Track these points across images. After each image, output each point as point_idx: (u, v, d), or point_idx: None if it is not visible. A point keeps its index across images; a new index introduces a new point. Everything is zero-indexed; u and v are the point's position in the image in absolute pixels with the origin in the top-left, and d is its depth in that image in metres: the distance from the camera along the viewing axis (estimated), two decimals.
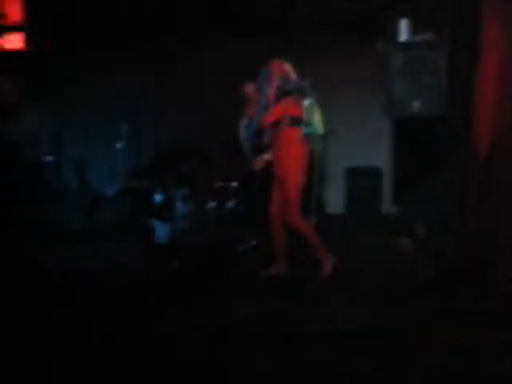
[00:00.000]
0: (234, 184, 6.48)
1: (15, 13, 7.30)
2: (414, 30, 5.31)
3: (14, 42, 7.25)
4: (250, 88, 6.11)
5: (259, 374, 3.33)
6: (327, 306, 4.46)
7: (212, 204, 6.49)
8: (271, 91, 5.00)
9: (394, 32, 5.39)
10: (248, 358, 3.52)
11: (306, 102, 5.06)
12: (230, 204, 6.50)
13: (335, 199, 8.39)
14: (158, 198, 6.67)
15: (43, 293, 4.72)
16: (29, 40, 7.12)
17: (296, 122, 5.01)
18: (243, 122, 6.27)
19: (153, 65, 8.22)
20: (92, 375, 3.30)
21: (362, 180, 8.46)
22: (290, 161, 5.02)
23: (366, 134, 8.34)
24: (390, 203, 8.46)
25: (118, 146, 7.65)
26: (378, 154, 8.49)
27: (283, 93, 5.01)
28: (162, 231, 6.32)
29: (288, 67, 5.12)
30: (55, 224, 6.63)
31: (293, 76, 5.10)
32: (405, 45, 5.36)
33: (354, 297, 4.65)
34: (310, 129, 5.08)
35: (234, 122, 6.55)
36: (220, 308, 4.42)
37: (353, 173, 8.49)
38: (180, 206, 6.47)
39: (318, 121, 5.20)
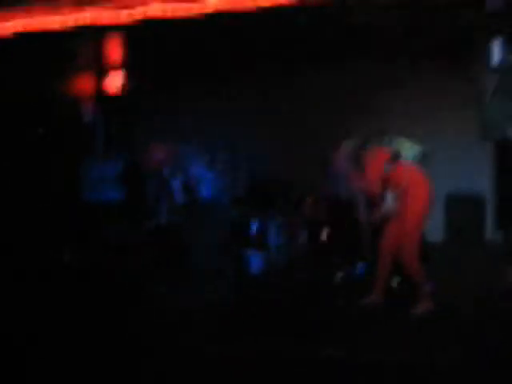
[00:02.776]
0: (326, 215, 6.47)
1: (117, 56, 7.70)
2: (508, 51, 5.14)
3: (115, 82, 7.66)
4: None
5: None
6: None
7: (305, 233, 6.49)
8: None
9: (487, 55, 5.23)
10: None
11: (386, 143, 5.14)
12: (325, 233, 6.48)
13: (435, 226, 8.13)
14: (252, 227, 6.73)
15: None
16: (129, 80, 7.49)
17: (397, 160, 5.02)
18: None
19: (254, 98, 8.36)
20: None
21: (463, 206, 8.18)
22: (415, 200, 4.99)
23: (466, 160, 8.07)
24: (493, 228, 8.12)
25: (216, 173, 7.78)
26: (479, 179, 8.18)
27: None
28: (257, 260, 6.37)
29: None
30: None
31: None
32: (500, 67, 5.20)
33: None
34: (411, 156, 5.05)
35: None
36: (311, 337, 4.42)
37: (454, 199, 8.23)
38: (274, 236, 6.51)
39: (407, 145, 5.16)
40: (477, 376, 3.66)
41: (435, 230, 8.05)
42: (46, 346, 4.29)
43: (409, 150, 5.11)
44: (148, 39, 6.80)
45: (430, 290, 5.10)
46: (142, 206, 6.68)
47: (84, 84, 7.83)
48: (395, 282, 5.51)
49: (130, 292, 5.67)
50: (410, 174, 5.05)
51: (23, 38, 6.17)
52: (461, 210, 8.11)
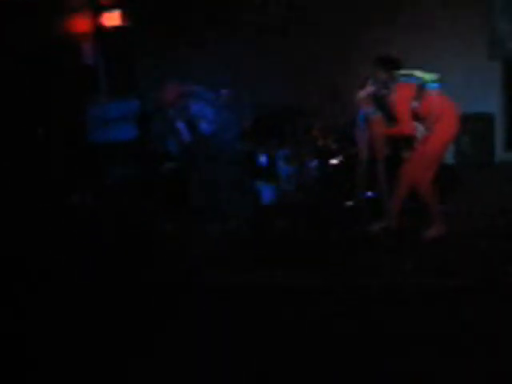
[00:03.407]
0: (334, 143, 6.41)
1: None
2: None
3: (112, 19, 7.50)
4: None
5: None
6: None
7: (315, 162, 6.44)
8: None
9: None
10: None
11: (406, 79, 5.02)
12: (334, 161, 6.44)
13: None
14: (261, 160, 6.69)
15: None
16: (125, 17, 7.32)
17: (422, 93, 4.94)
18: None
19: (254, 28, 8.18)
20: None
21: (472, 126, 8.06)
22: (441, 127, 4.94)
23: (474, 79, 7.92)
24: (503, 149, 8.03)
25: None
26: (488, 99, 8.04)
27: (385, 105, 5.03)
28: (267, 192, 6.36)
29: (365, 92, 5.15)
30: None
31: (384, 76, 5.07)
32: None
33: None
34: (432, 84, 4.96)
35: (336, 79, 6.47)
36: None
37: (462, 119, 8.10)
38: (283, 167, 6.47)
39: (423, 75, 5.06)
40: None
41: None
42: (54, 284, 4.34)
43: (429, 79, 5.02)
44: None
45: (443, 213, 5.09)
46: (151, 146, 6.66)
47: (82, 23, 7.67)
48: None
49: (140, 230, 5.69)
50: (439, 102, 4.96)
51: None
52: (471, 131, 8.00)
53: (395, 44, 6.99)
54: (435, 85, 5.00)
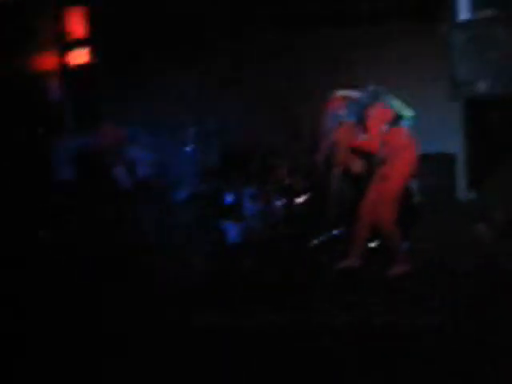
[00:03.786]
0: (300, 181, 6.47)
1: (79, 30, 7.54)
2: (475, 6, 5.12)
3: (80, 57, 7.51)
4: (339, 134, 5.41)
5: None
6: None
7: (281, 201, 6.48)
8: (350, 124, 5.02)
9: (455, 10, 5.21)
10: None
11: (388, 100, 5.08)
12: (300, 200, 6.49)
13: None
14: (227, 198, 6.70)
15: None
16: (93, 54, 7.33)
17: (394, 122, 4.99)
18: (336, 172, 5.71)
19: (217, 67, 8.24)
20: None
21: (434, 167, 8.21)
22: (403, 158, 5.01)
23: (435, 120, 8.09)
24: (465, 189, 8.18)
25: (187, 149, 7.72)
26: (449, 139, 8.20)
27: (359, 113, 5.01)
28: (233, 231, 6.35)
29: (345, 93, 5.19)
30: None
31: (356, 94, 5.14)
32: (467, 23, 5.18)
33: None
34: (407, 120, 5.06)
35: (300, 118, 6.52)
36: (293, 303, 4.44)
37: (425, 160, 8.25)
38: (249, 205, 6.49)
39: (404, 109, 5.15)
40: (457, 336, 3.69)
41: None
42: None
43: (406, 115, 5.12)
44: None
45: (406, 251, 5.14)
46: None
47: (49, 60, 7.65)
48: (373, 244, 5.55)
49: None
50: (404, 137, 5.05)
51: None
52: (433, 171, 8.14)
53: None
54: (408, 122, 5.09)
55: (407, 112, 5.12)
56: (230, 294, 4.80)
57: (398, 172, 5.01)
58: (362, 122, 5.07)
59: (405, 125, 5.08)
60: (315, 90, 7.65)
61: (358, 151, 5.25)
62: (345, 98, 5.17)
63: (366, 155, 5.19)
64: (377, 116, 5.03)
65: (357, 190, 5.45)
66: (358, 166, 5.33)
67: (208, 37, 7.93)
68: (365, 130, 5.07)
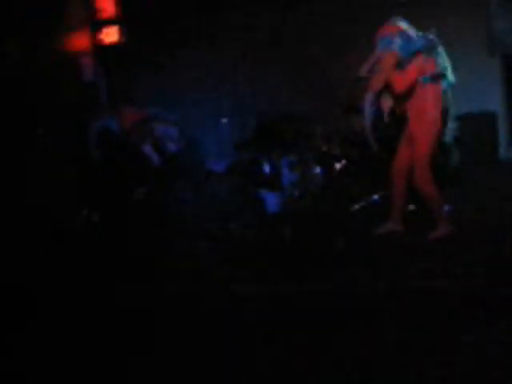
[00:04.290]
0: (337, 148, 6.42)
1: (110, 8, 7.56)
2: None
3: (110, 35, 7.54)
4: (364, 68, 5.24)
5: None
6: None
7: (319, 168, 6.45)
8: (393, 54, 4.84)
9: None
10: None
11: (439, 56, 4.89)
12: (338, 166, 6.45)
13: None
14: (265, 168, 6.70)
15: None
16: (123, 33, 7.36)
17: (432, 79, 4.85)
18: (368, 97, 5.40)
19: (250, 35, 8.18)
20: None
21: (475, 125, 8.05)
22: (429, 116, 4.89)
23: (474, 78, 7.91)
24: (506, 146, 8.02)
25: (223, 121, 7.74)
26: (489, 97, 8.03)
27: (411, 52, 4.83)
28: (272, 200, 6.36)
29: (403, 24, 4.92)
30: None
31: (413, 32, 4.90)
32: None
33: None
34: (446, 82, 4.93)
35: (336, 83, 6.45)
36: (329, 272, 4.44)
37: (465, 118, 8.11)
38: (287, 174, 6.47)
39: (450, 71, 5.01)
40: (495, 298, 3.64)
41: None
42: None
43: (449, 75, 4.97)
44: None
45: (448, 214, 5.08)
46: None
47: (81, 40, 7.71)
48: (412, 207, 5.49)
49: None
50: (435, 97, 4.88)
51: None
52: (474, 129, 7.99)
53: None
54: (446, 85, 4.94)
55: (451, 76, 4.97)
56: (269, 264, 4.82)
57: (425, 132, 4.88)
58: (405, 61, 4.86)
59: (442, 86, 4.94)
60: (352, 54, 7.60)
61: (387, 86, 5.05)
62: (400, 29, 4.89)
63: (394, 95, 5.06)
64: (421, 64, 4.83)
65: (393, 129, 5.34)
66: (387, 100, 5.16)
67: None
68: (403, 70, 4.87)
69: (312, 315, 3.66)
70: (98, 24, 7.67)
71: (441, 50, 4.92)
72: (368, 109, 5.07)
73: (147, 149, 6.42)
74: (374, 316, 3.54)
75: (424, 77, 4.83)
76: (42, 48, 6.83)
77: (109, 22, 7.61)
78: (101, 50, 7.73)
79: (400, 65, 4.86)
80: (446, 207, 5.26)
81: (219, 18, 8.04)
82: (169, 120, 6.62)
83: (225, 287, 4.34)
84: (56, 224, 5.78)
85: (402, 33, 4.86)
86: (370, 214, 5.82)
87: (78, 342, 3.61)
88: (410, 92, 4.90)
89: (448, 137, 5.14)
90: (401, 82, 4.87)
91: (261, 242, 5.49)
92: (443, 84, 4.92)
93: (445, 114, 4.97)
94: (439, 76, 4.87)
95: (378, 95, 5.06)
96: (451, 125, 5.11)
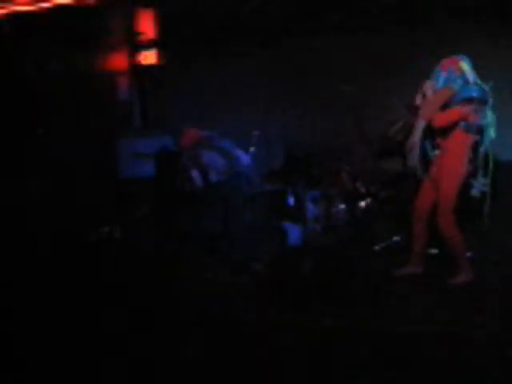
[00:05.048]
0: (363, 186, 6.41)
1: (150, 32, 7.72)
2: None
3: (148, 57, 7.69)
4: (427, 84, 5.13)
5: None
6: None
7: (344, 205, 6.43)
8: (450, 93, 4.84)
9: None
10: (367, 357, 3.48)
11: (487, 111, 4.86)
12: (361, 204, 6.44)
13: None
14: (289, 200, 6.70)
15: None
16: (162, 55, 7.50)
17: (472, 129, 4.82)
18: (419, 125, 5.32)
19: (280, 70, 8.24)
20: None
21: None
22: (454, 163, 4.87)
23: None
24: None
25: (251, 150, 7.77)
26: None
27: (465, 98, 4.82)
28: (294, 233, 6.35)
29: (466, 65, 4.90)
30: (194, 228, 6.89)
31: (471, 77, 4.87)
32: None
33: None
34: (486, 136, 4.89)
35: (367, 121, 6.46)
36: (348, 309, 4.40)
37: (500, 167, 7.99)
38: (311, 208, 6.47)
39: (492, 127, 4.96)
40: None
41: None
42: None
43: (490, 129, 4.94)
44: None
45: (469, 260, 5.00)
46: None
47: (120, 60, 7.87)
48: (435, 251, 5.43)
49: (165, 271, 5.70)
50: (465, 142, 4.86)
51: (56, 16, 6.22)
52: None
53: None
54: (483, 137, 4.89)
55: (492, 131, 4.93)
56: (287, 295, 4.80)
57: (453, 176, 4.86)
58: (454, 103, 4.84)
59: (478, 138, 4.88)
60: (382, 93, 7.60)
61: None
62: (463, 69, 4.85)
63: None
64: (468, 111, 4.81)
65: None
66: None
67: (274, 41, 7.94)
68: (449, 109, 4.86)
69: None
70: (138, 46, 7.83)
71: (490, 106, 4.89)
72: (418, 136, 5.04)
73: (194, 173, 6.50)
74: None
75: (466, 123, 4.81)
76: (82, 64, 7.00)
77: (148, 45, 7.77)
78: (138, 71, 7.87)
79: (447, 104, 4.86)
80: (469, 253, 5.22)
81: (256, 47, 8.11)
82: (218, 147, 6.68)
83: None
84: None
85: (464, 74, 4.86)
86: (392, 255, 5.77)
87: None
88: (446, 132, 4.90)
89: (476, 190, 5.07)
90: (442, 119, 4.86)
91: (279, 272, 5.47)
92: (481, 137, 4.89)
93: (474, 165, 4.94)
94: (480, 128, 4.84)
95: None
96: (482, 180, 5.03)
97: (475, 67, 4.96)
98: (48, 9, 6.16)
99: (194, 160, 6.58)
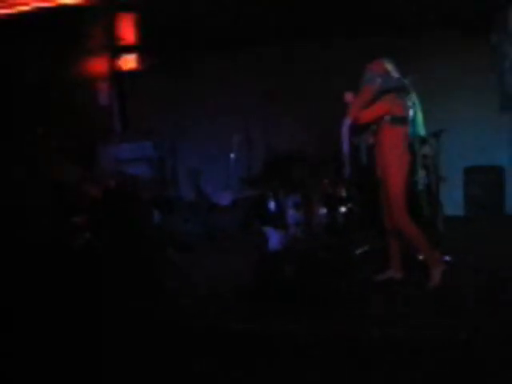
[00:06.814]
0: (344, 190, 6.43)
1: (130, 36, 7.69)
2: None
3: (128, 62, 7.67)
4: (349, 96, 5.28)
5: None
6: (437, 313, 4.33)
7: (323, 210, 6.45)
8: (370, 89, 4.90)
9: (506, 22, 5.07)
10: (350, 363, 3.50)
11: (408, 101, 4.92)
12: (342, 209, 6.45)
13: (454, 200, 8.04)
14: (270, 205, 6.72)
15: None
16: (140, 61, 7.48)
17: (398, 120, 4.87)
18: (346, 122, 5.85)
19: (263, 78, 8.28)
20: None
21: (482, 179, 8.09)
22: (389, 158, 4.88)
23: (483, 132, 7.96)
24: None
25: (232, 155, 7.79)
26: (499, 152, 8.06)
27: (383, 91, 4.89)
28: (275, 238, 6.36)
29: (389, 65, 4.99)
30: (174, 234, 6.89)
31: (395, 74, 4.97)
32: None
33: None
34: (412, 130, 4.95)
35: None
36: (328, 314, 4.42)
37: (472, 172, 8.14)
38: (292, 213, 6.48)
39: (419, 121, 5.03)
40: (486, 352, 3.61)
41: (455, 204, 8.03)
42: None
43: (418, 127, 5.01)
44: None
45: (443, 264, 5.03)
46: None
47: (99, 65, 7.84)
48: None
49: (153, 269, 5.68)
50: (396, 138, 4.87)
51: (36, 17, 6.17)
52: (481, 182, 8.02)
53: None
54: (411, 130, 4.95)
55: (419, 128, 5.00)
56: (266, 300, 4.80)
57: (392, 173, 4.84)
58: (379, 96, 4.88)
59: (407, 130, 4.92)
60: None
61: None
62: (386, 67, 4.95)
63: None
64: (388, 103, 4.85)
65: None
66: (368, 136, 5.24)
67: (259, 48, 7.97)
68: (372, 104, 4.88)
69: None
70: (117, 51, 7.80)
71: (413, 97, 4.95)
72: (345, 134, 5.10)
73: None
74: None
75: (390, 116, 4.85)
76: (60, 70, 6.95)
77: (128, 50, 7.74)
78: (118, 76, 7.84)
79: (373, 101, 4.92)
80: (447, 257, 5.26)
81: (232, 53, 8.14)
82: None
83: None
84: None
85: (386, 73, 4.93)
86: (372, 259, 5.80)
87: None
88: (375, 131, 4.97)
89: (420, 185, 5.12)
90: (366, 115, 4.92)
91: (261, 279, 5.47)
92: (409, 130, 4.94)
93: (413, 162, 4.97)
94: (404, 119, 4.88)
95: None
96: (421, 173, 5.10)
97: None
98: (27, 12, 6.11)
99: None
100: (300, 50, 8.12)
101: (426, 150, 5.17)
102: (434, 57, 7.78)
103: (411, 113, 4.91)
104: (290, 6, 6.65)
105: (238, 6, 6.54)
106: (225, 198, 7.40)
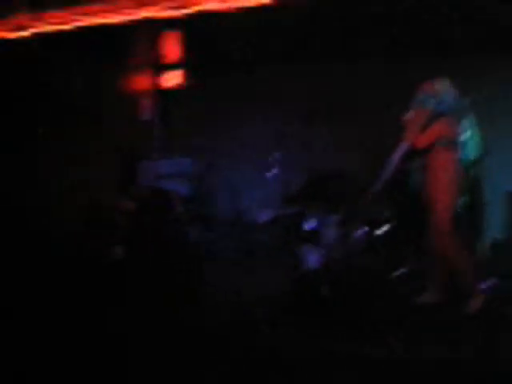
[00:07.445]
0: (386, 211, 6.37)
1: (175, 53, 7.79)
2: None
3: (172, 79, 7.76)
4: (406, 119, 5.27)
5: None
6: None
7: (364, 230, 6.39)
8: (424, 113, 4.84)
9: None
10: None
11: (464, 123, 4.85)
12: (383, 230, 6.39)
13: (497, 224, 7.87)
14: (309, 224, 6.68)
15: None
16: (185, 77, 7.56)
17: (451, 144, 4.80)
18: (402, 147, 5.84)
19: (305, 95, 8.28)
20: None
21: None
22: (441, 183, 4.82)
23: None
24: None
25: (271, 173, 7.79)
26: None
27: (437, 114, 4.82)
28: (313, 257, 6.31)
29: (442, 87, 4.91)
30: (211, 250, 6.91)
31: (449, 96, 4.88)
32: None
33: None
34: (465, 152, 4.87)
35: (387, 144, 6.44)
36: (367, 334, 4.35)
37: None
38: (331, 232, 6.43)
39: (475, 143, 4.95)
40: None
41: (499, 227, 7.84)
42: None
43: (474, 148, 4.94)
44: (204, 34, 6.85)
45: (485, 287, 4.92)
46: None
47: (143, 81, 7.95)
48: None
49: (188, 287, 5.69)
50: (449, 161, 4.82)
51: (83, 35, 6.32)
52: None
53: None
54: (466, 155, 4.90)
55: (474, 150, 4.92)
56: (302, 319, 4.76)
57: (439, 199, 4.80)
58: (433, 119, 4.84)
59: (458, 155, 4.85)
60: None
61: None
62: (438, 88, 4.88)
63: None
64: (443, 127, 4.81)
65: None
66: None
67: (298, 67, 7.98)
68: (427, 128, 4.84)
69: None
70: (162, 67, 7.90)
71: (470, 119, 4.87)
72: (396, 158, 5.03)
73: None
74: None
75: (443, 140, 4.77)
76: (105, 83, 7.08)
77: (172, 67, 7.83)
78: (162, 92, 7.94)
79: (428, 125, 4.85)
80: (489, 282, 5.15)
81: (273, 71, 8.17)
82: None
83: None
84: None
85: (439, 94, 4.85)
86: (413, 282, 5.71)
87: None
88: (427, 154, 4.88)
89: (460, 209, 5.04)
90: (421, 140, 4.85)
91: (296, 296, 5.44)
92: (462, 154, 4.86)
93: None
94: (457, 143, 4.81)
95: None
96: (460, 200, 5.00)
97: None
98: (77, 28, 6.27)
99: None
100: (343, 68, 8.09)
101: (472, 173, 5.08)
102: (482, 80, 7.65)
103: (466, 136, 4.84)
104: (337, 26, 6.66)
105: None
106: (264, 216, 7.39)
